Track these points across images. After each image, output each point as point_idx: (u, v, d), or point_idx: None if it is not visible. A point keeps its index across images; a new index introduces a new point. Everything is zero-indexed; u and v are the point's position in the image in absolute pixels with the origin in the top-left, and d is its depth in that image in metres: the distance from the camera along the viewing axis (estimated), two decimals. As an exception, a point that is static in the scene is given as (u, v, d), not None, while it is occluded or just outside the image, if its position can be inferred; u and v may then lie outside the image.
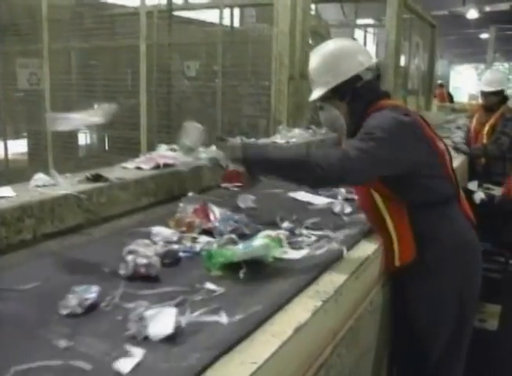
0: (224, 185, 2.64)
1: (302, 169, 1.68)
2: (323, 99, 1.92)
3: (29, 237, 1.74)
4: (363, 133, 1.74)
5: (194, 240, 1.75)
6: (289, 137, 3.84)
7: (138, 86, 5.75)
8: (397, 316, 2.01)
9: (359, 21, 11.14)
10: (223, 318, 1.22)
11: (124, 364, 1.01)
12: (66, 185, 1.99)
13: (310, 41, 5.33)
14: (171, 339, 1.11)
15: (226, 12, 7.07)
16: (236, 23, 7.79)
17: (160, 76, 6.60)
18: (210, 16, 7.54)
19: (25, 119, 7.67)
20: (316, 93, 1.92)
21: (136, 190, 2.20)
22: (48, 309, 1.24)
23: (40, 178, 2.02)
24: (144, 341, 1.10)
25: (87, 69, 7.03)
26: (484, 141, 4.34)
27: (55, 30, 6.19)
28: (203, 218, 1.87)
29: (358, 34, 11.56)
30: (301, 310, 1.29)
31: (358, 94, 1.86)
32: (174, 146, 2.81)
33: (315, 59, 1.93)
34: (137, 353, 1.05)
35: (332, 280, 1.48)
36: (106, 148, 7.60)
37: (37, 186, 1.95)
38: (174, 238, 1.73)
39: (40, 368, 1.00)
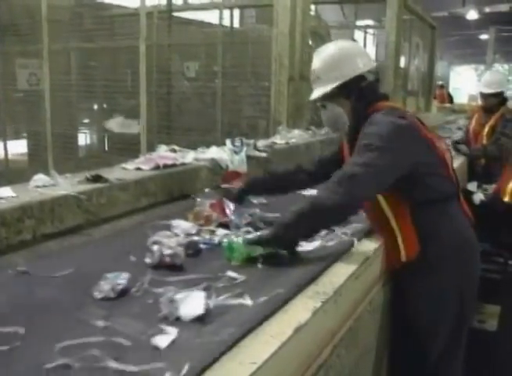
0: (224, 185, 2.64)
1: (320, 214, 1.66)
2: (327, 96, 1.91)
3: (29, 238, 1.75)
4: (361, 145, 1.75)
5: (212, 232, 1.84)
6: (288, 138, 3.85)
7: (137, 87, 5.75)
8: (396, 316, 2.01)
9: (359, 22, 11.15)
10: (247, 300, 1.31)
11: (161, 340, 1.11)
12: (66, 185, 2.00)
13: (310, 42, 5.34)
14: (201, 319, 1.20)
15: (226, 12, 7.08)
16: (236, 24, 7.79)
17: (159, 77, 6.60)
18: (210, 16, 7.55)
19: (25, 119, 7.67)
20: (324, 88, 1.90)
21: (136, 191, 2.20)
22: (83, 294, 1.34)
23: (40, 178, 2.02)
24: (176, 321, 1.20)
25: (87, 69, 7.03)
26: (484, 142, 4.34)
27: (54, 30, 6.19)
28: (219, 212, 1.95)
29: (358, 35, 11.56)
30: (300, 310, 1.29)
31: (362, 93, 1.88)
32: (175, 147, 2.82)
33: (323, 55, 1.93)
34: (171, 331, 1.15)
35: (331, 281, 1.49)
36: (106, 148, 7.60)
37: (37, 187, 1.96)
38: (194, 231, 1.83)
39: (83, 344, 1.08)
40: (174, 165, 2.49)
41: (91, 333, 1.13)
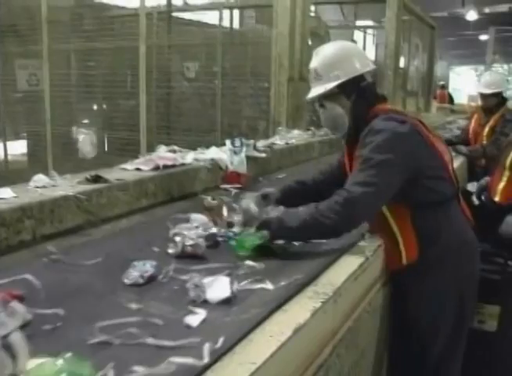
0: (223, 186, 2.65)
1: (318, 228, 1.69)
2: (327, 96, 1.90)
3: (28, 238, 1.75)
4: (362, 158, 1.74)
5: (229, 226, 1.91)
6: (288, 138, 3.85)
7: (137, 87, 5.76)
8: (396, 317, 2.01)
9: (359, 23, 11.17)
10: (269, 285, 1.41)
11: (192, 319, 1.20)
12: (66, 186, 2.00)
13: (309, 43, 5.34)
14: (227, 302, 1.30)
15: (226, 13, 7.08)
16: (236, 25, 7.78)
17: (159, 77, 6.61)
18: (210, 17, 7.55)
19: (24, 120, 7.67)
20: (324, 87, 1.88)
21: (136, 191, 2.20)
22: (114, 280, 1.44)
23: (39, 179, 2.02)
24: (203, 304, 1.29)
25: (86, 70, 7.03)
26: (484, 142, 4.35)
27: (54, 31, 6.19)
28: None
29: (358, 35, 11.58)
30: (300, 311, 1.29)
31: (362, 93, 1.87)
32: (174, 147, 2.82)
33: (324, 54, 1.92)
34: (201, 312, 1.24)
35: (331, 281, 1.49)
36: (106, 149, 7.60)
37: (37, 187, 1.96)
38: (211, 224, 1.90)
39: (120, 324, 1.17)
40: (173, 166, 2.49)
41: (126, 314, 1.22)
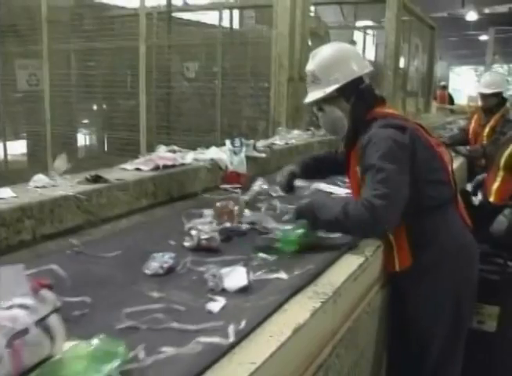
0: (223, 186, 2.65)
1: (343, 229, 1.76)
2: (325, 99, 1.89)
3: (28, 238, 1.75)
4: (368, 167, 1.74)
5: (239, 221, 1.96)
6: (288, 139, 3.85)
7: (137, 87, 5.76)
8: (394, 317, 2.01)
9: (359, 23, 11.16)
10: (283, 275, 1.48)
11: (213, 306, 1.28)
12: (66, 186, 2.00)
13: (309, 43, 5.34)
14: (244, 290, 1.37)
15: (226, 13, 7.08)
16: (236, 25, 7.79)
17: (159, 77, 6.61)
18: (210, 17, 7.55)
19: (24, 120, 7.67)
20: (323, 91, 1.87)
21: (135, 191, 2.20)
22: (134, 271, 1.51)
23: (39, 179, 2.02)
24: (222, 292, 1.36)
25: (86, 70, 7.03)
26: (484, 142, 4.34)
27: (54, 31, 6.19)
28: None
29: (358, 35, 11.57)
30: (299, 311, 1.29)
31: (361, 95, 1.86)
32: (174, 147, 2.82)
33: (322, 57, 1.90)
34: (220, 299, 1.31)
35: (330, 281, 1.49)
36: (106, 149, 7.61)
37: (37, 187, 1.96)
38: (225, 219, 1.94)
39: (144, 311, 1.24)
40: (173, 166, 2.49)
41: (149, 301, 1.30)
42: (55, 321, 1.00)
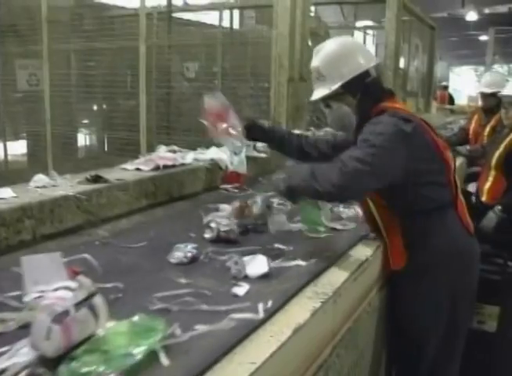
0: (223, 186, 2.65)
1: (311, 192, 1.69)
2: (332, 96, 1.84)
3: (28, 238, 1.75)
4: (361, 140, 1.70)
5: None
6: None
7: (137, 87, 5.75)
8: (392, 317, 2.01)
9: (359, 23, 11.15)
10: (300, 262, 1.58)
11: (238, 290, 1.37)
12: (66, 186, 2.00)
13: (310, 43, 5.33)
14: (265, 276, 1.46)
15: (226, 13, 7.07)
16: (236, 25, 7.79)
17: (159, 77, 6.59)
18: (210, 17, 7.54)
19: (24, 120, 7.67)
20: (328, 87, 1.82)
21: (135, 191, 2.20)
22: (160, 260, 1.60)
23: (40, 179, 2.02)
24: (244, 278, 1.45)
25: (86, 70, 7.03)
26: (485, 142, 4.34)
27: (54, 31, 6.19)
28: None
29: (358, 35, 11.56)
30: (299, 311, 1.29)
31: (368, 90, 1.82)
32: (174, 147, 2.82)
33: (326, 52, 1.85)
34: (244, 284, 1.40)
35: (331, 281, 1.49)
36: (106, 149, 7.60)
37: (37, 187, 1.96)
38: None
39: (174, 295, 1.33)
40: (173, 166, 2.49)
41: (177, 287, 1.39)
42: (99, 301, 1.09)
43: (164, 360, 1.03)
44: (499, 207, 2.77)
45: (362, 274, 1.67)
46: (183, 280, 1.44)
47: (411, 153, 1.72)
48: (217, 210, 2.08)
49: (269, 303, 1.28)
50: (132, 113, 6.05)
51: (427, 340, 1.91)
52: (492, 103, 4.36)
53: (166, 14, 6.91)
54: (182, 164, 2.56)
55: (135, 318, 1.09)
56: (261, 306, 1.25)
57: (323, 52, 1.86)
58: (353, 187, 1.68)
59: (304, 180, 1.67)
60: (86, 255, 1.54)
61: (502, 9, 15.40)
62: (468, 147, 4.40)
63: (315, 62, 1.88)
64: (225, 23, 7.10)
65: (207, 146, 2.93)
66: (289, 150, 2.24)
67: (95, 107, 7.77)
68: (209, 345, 1.08)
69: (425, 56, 8.70)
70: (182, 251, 1.61)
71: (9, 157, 7.35)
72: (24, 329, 1.08)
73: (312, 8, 6.38)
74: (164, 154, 2.63)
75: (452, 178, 1.90)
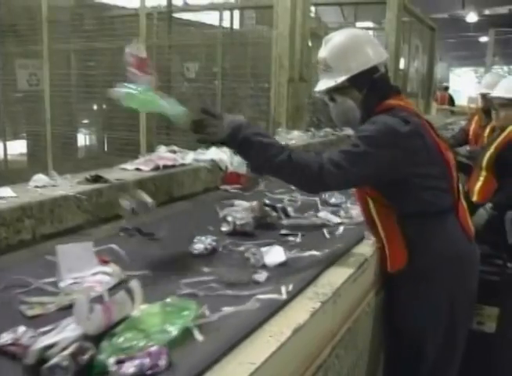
0: (223, 187, 2.65)
1: (278, 174, 1.66)
2: (337, 89, 1.78)
3: (28, 238, 1.75)
4: (351, 141, 1.68)
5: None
6: (288, 139, 3.85)
7: (137, 87, 5.74)
8: (391, 319, 2.00)
9: (359, 24, 11.14)
10: (315, 252, 1.67)
11: (259, 277, 1.45)
12: (66, 186, 2.00)
13: (310, 44, 5.34)
14: (282, 265, 1.55)
15: (226, 14, 7.08)
16: (236, 25, 7.79)
17: (159, 77, 6.57)
18: (210, 17, 7.55)
19: (24, 120, 7.67)
20: (334, 80, 1.76)
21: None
22: (183, 251, 1.69)
23: (39, 179, 2.02)
24: (263, 267, 1.53)
25: (86, 70, 7.03)
26: (485, 143, 4.34)
27: (54, 31, 6.19)
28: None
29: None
30: (299, 311, 1.29)
31: (375, 86, 1.77)
32: (174, 148, 2.82)
33: (335, 43, 1.79)
34: (263, 272, 1.48)
35: (330, 282, 1.49)
36: (106, 149, 7.60)
37: (37, 187, 1.96)
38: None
39: (199, 281, 1.42)
40: (173, 166, 2.49)
41: (201, 274, 1.48)
42: (135, 285, 1.16)
43: (199, 336, 1.10)
44: (490, 205, 2.78)
45: (362, 275, 1.67)
46: (206, 269, 1.52)
47: (404, 153, 1.69)
48: (232, 205, 2.17)
49: (290, 286, 1.37)
50: (132, 113, 6.05)
51: (426, 342, 1.90)
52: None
53: (166, 14, 6.92)
54: (182, 165, 2.57)
55: (168, 300, 1.19)
56: (283, 288, 1.35)
57: (332, 43, 1.80)
58: (322, 188, 1.82)
59: (275, 155, 1.57)
60: (113, 245, 1.63)
61: (503, 10, 15.40)
62: (468, 148, 4.41)
63: (323, 52, 1.82)
64: (226, 24, 7.11)
65: (207, 147, 2.93)
66: None
67: (95, 107, 7.77)
68: (239, 323, 1.17)
69: (425, 57, 8.72)
70: (203, 243, 1.69)
71: (9, 157, 7.35)
72: (62, 311, 1.18)
73: (312, 8, 6.39)
74: (163, 154, 2.63)
75: (455, 185, 1.86)
